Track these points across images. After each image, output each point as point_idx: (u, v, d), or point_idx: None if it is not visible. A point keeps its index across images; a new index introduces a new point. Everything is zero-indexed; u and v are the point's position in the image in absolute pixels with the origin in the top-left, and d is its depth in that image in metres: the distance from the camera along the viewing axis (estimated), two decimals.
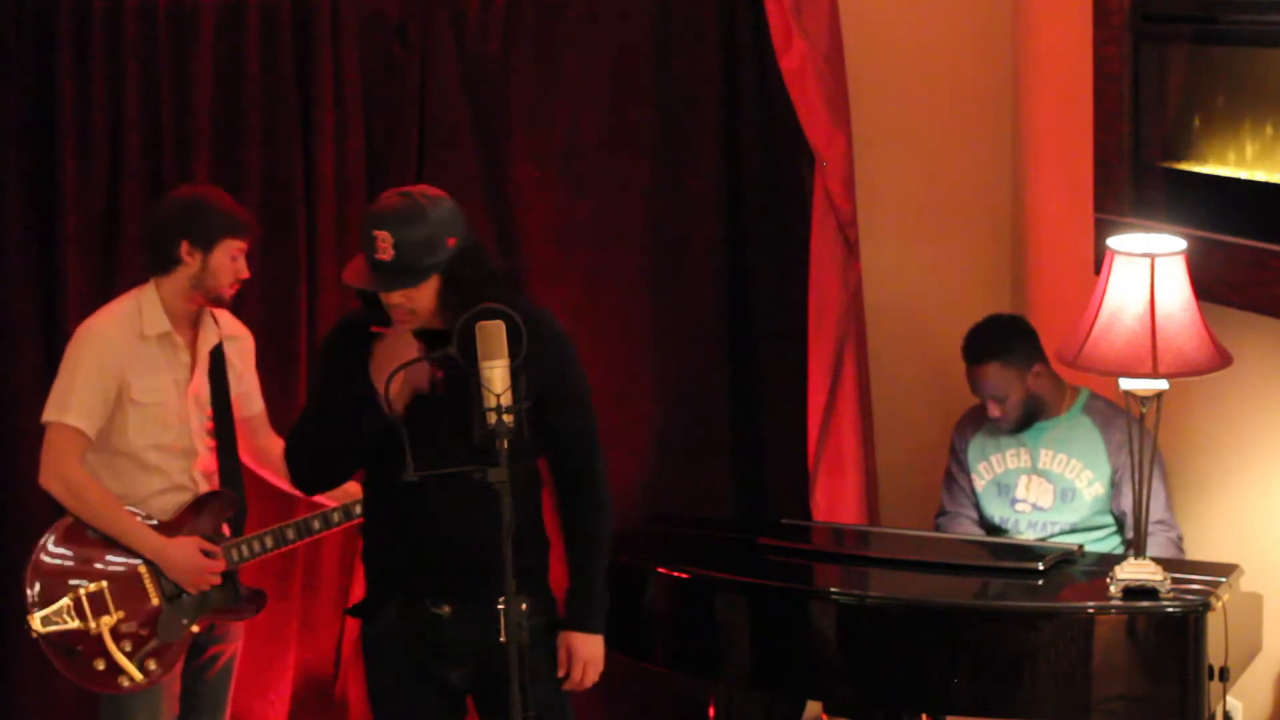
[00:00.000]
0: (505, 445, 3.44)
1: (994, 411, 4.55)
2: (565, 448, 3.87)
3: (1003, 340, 4.56)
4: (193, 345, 4.23)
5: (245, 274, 4.22)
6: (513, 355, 3.48)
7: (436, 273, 3.65)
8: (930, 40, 5.19)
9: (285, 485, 4.36)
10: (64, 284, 4.71)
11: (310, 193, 4.84)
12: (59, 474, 4.12)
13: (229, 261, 4.18)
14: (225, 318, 4.36)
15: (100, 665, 4.09)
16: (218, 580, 4.19)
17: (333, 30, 4.80)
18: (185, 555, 4.14)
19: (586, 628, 3.87)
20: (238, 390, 4.35)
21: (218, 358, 4.28)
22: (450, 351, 3.53)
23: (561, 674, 3.87)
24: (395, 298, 3.66)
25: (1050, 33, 5.03)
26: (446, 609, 3.77)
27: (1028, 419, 4.55)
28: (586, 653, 3.87)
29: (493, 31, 4.91)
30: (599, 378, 4.91)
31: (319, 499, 4.29)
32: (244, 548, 4.25)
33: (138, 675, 4.10)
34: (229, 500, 4.26)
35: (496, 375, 3.48)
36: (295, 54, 4.80)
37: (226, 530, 4.28)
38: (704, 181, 5.06)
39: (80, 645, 4.08)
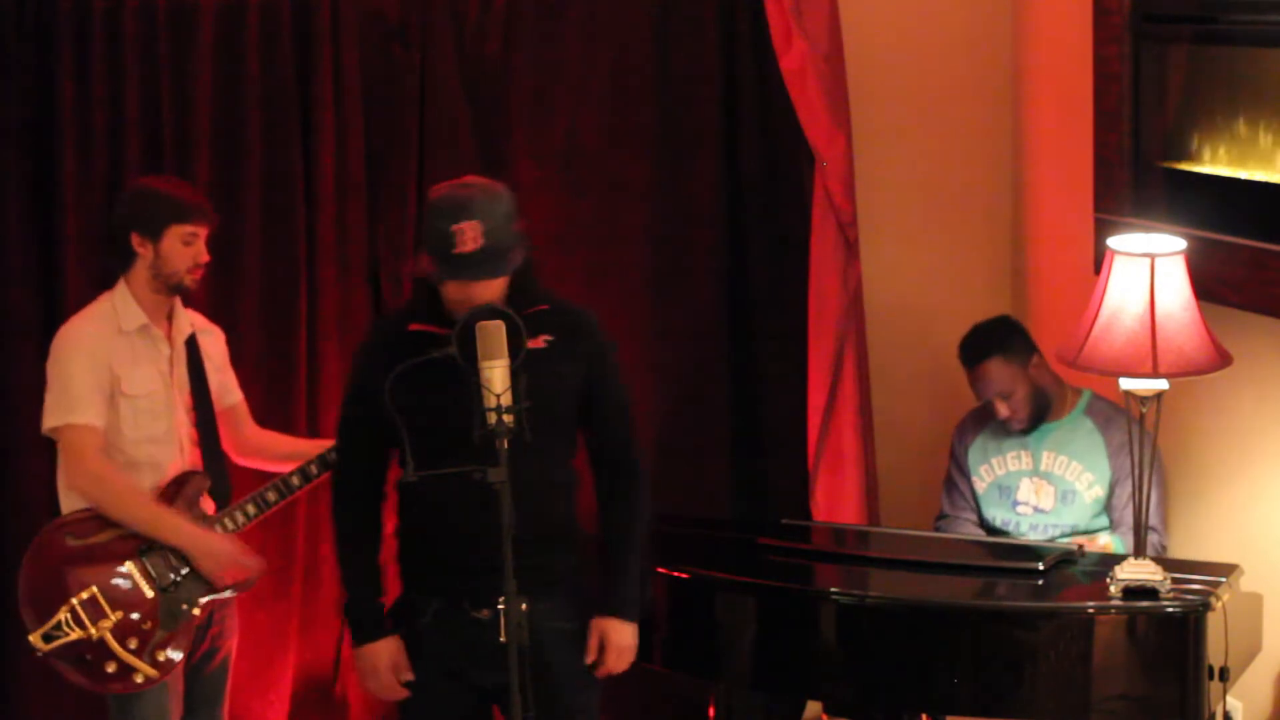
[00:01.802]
0: (505, 445, 3.45)
1: (1004, 411, 4.52)
2: (607, 440, 3.89)
3: (998, 335, 4.57)
4: (170, 336, 4.24)
5: (204, 258, 4.21)
6: (513, 355, 3.49)
7: (518, 260, 3.68)
8: (930, 40, 5.19)
9: (273, 467, 4.38)
10: (64, 284, 4.71)
11: (310, 193, 4.84)
12: (84, 471, 4.09)
13: (181, 247, 4.17)
14: (195, 316, 4.37)
15: (112, 668, 4.08)
16: (251, 566, 4.19)
17: (333, 30, 4.80)
18: (224, 544, 4.14)
19: (622, 615, 3.86)
20: (216, 381, 4.34)
21: (193, 349, 4.28)
22: (450, 351, 3.53)
23: (590, 660, 3.87)
24: (478, 289, 3.65)
25: (1050, 33, 5.03)
26: (486, 612, 3.74)
27: (1038, 414, 4.53)
28: (620, 640, 3.86)
29: (493, 31, 4.91)
30: None
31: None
32: (227, 521, 4.22)
33: (151, 670, 4.10)
34: (200, 478, 4.23)
35: (496, 375, 3.48)
36: (295, 54, 4.80)
37: (213, 509, 4.25)
38: (704, 181, 5.06)
39: (88, 654, 4.07)
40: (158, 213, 4.16)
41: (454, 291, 3.68)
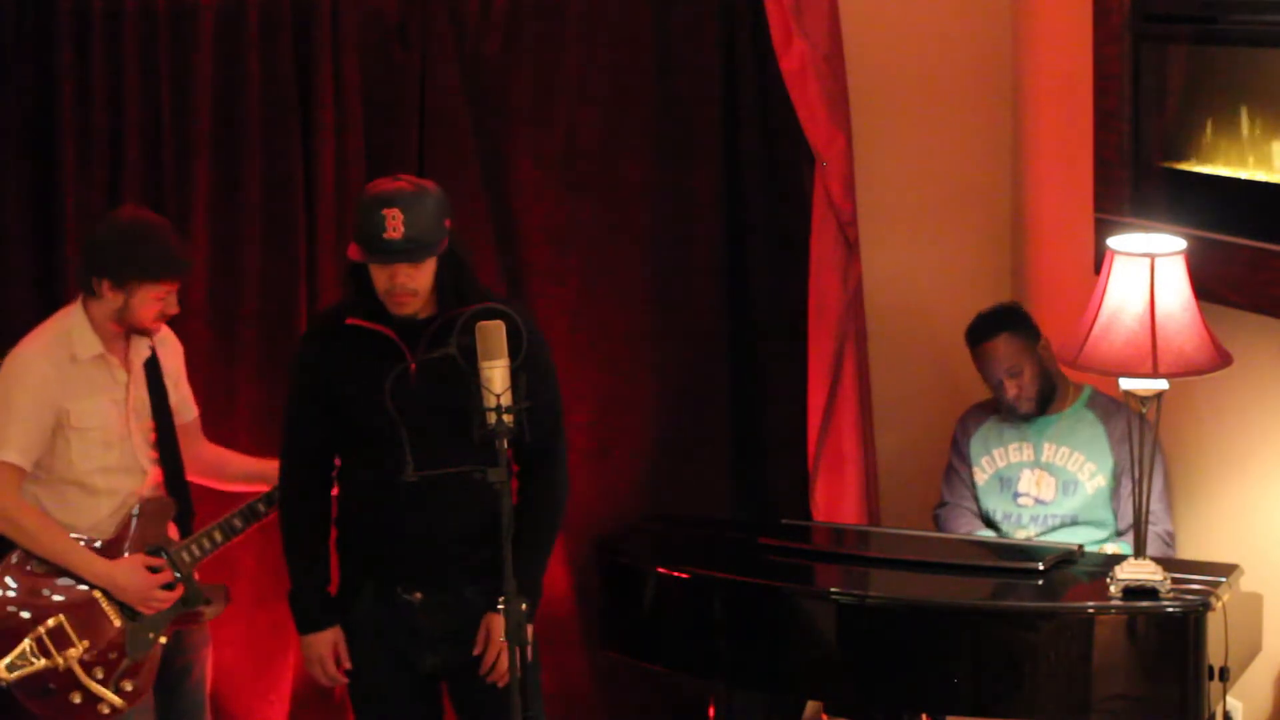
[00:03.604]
0: (505, 445, 3.47)
1: (1012, 390, 4.52)
2: (536, 432, 3.86)
3: (1007, 314, 4.64)
4: (125, 360, 4.13)
5: (174, 310, 4.10)
6: (512, 355, 3.50)
7: (440, 250, 3.80)
8: (930, 40, 5.19)
9: (225, 487, 4.37)
10: (63, 283, 4.70)
11: (310, 193, 4.83)
12: None
13: (153, 302, 4.05)
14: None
15: (77, 699, 4.02)
16: (169, 596, 4.10)
17: (333, 30, 4.79)
18: (131, 577, 4.06)
19: (524, 614, 3.80)
20: (174, 397, 4.25)
21: (153, 367, 4.19)
22: (450, 351, 3.55)
23: (476, 652, 3.92)
24: (401, 276, 3.78)
25: (1050, 33, 5.03)
26: (418, 595, 3.90)
27: (1045, 397, 4.54)
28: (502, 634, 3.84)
29: (493, 31, 4.90)
30: (599, 378, 4.92)
31: (256, 486, 4.32)
32: (194, 548, 4.18)
33: (117, 701, 4.05)
34: (165, 505, 4.18)
35: (496, 375, 3.49)
36: (295, 54, 4.79)
37: (175, 535, 4.21)
38: (704, 182, 5.05)
39: (52, 683, 4.00)
40: (130, 268, 4.01)
41: (380, 280, 3.81)
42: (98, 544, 4.08)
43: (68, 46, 4.66)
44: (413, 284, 3.80)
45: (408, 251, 3.76)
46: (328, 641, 4.02)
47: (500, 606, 3.53)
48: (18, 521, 4.03)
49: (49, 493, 4.08)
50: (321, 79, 4.79)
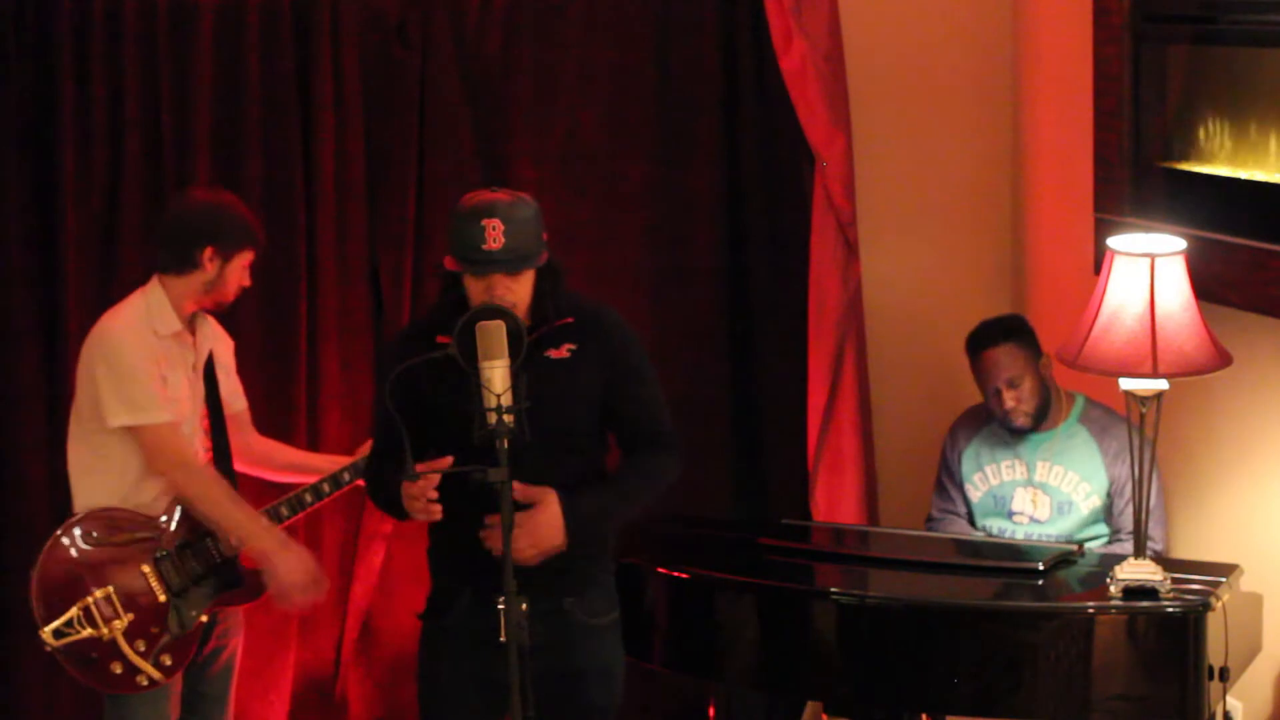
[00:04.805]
0: (505, 445, 3.46)
1: (1009, 401, 4.48)
2: (639, 433, 3.90)
3: (1012, 324, 4.59)
4: (195, 345, 4.24)
5: (248, 282, 4.25)
6: (513, 355, 3.50)
7: (539, 263, 3.75)
8: (930, 40, 5.19)
9: (274, 477, 4.42)
10: (64, 284, 4.71)
11: (310, 193, 4.84)
12: (178, 463, 4.11)
13: (241, 270, 4.21)
14: (212, 323, 4.36)
15: (118, 669, 4.09)
16: (320, 598, 4.23)
17: (333, 30, 4.80)
18: (301, 562, 4.15)
19: (567, 509, 3.74)
20: (226, 387, 4.35)
21: (208, 358, 4.29)
22: (451, 351, 3.54)
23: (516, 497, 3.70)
24: (500, 289, 3.70)
25: (1050, 33, 5.03)
26: (523, 606, 3.71)
27: (1040, 413, 4.51)
28: (545, 516, 3.73)
29: (493, 31, 4.91)
30: None
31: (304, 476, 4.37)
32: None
33: (155, 673, 4.11)
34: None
35: (496, 375, 3.49)
36: (295, 54, 4.79)
37: None
38: (704, 182, 5.06)
39: (95, 652, 4.08)
40: (238, 235, 4.18)
41: (477, 292, 3.72)
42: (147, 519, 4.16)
43: (68, 46, 4.67)
44: (511, 296, 3.71)
45: (508, 262, 3.69)
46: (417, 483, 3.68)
47: (501, 606, 3.53)
48: (197, 470, 4.13)
49: (110, 459, 4.14)
50: (321, 79, 4.80)
